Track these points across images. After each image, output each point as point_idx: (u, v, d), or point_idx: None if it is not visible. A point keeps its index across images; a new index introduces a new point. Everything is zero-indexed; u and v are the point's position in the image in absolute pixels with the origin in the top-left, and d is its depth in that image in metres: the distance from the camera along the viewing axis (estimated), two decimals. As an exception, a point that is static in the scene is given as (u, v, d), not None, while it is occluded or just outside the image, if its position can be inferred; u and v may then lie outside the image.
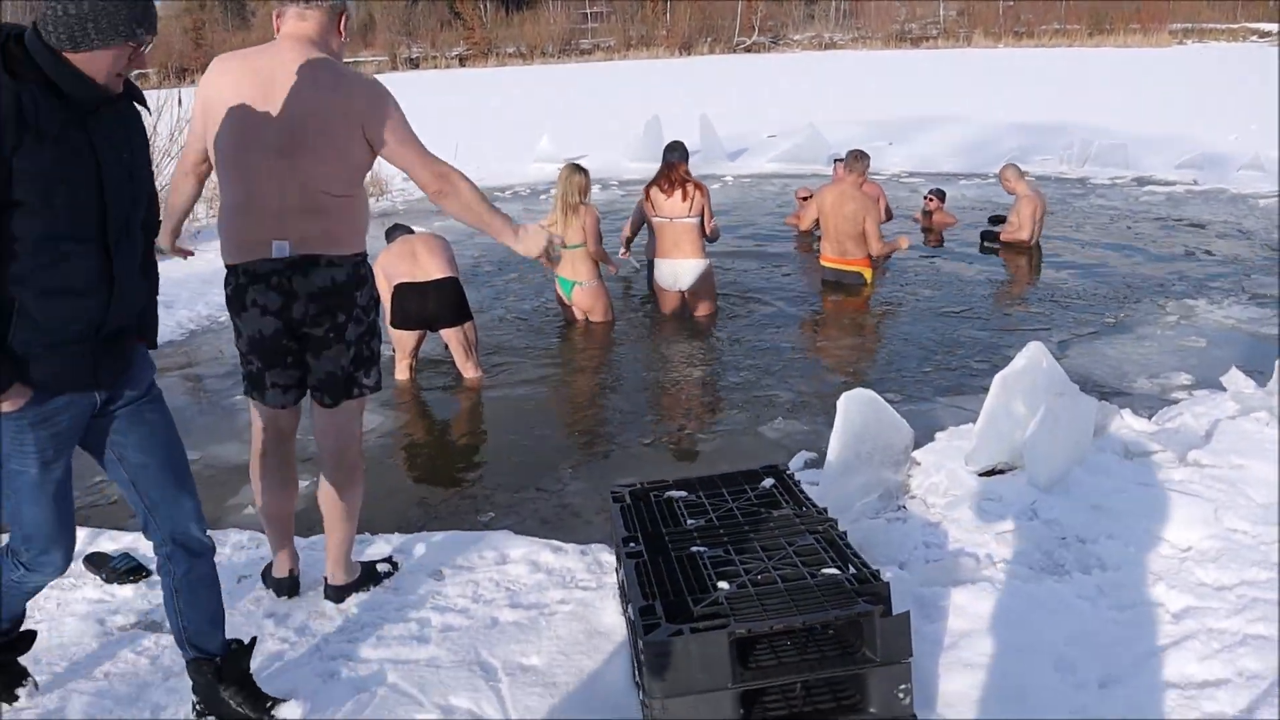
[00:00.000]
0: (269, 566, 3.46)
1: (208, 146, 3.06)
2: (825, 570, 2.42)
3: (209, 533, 2.75)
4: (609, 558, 3.46)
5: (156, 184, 2.83)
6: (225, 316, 5.21)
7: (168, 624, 3.23)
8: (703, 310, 6.99)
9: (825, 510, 2.84)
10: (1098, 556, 3.22)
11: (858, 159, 7.72)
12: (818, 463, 4.30)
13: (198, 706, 2.73)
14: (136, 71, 2.43)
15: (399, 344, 5.71)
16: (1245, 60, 32.48)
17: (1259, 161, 11.90)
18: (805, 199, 9.62)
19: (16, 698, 2.82)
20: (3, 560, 2.59)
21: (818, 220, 7.84)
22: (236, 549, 3.77)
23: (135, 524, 4.07)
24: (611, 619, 3.09)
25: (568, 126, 18.25)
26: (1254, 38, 46.08)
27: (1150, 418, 4.53)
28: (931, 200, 9.83)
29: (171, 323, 7.06)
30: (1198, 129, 15.29)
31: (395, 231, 5.93)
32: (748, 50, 57.65)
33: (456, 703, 2.74)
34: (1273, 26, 44.19)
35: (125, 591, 3.48)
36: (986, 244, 8.93)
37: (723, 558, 2.56)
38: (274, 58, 2.99)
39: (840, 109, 20.41)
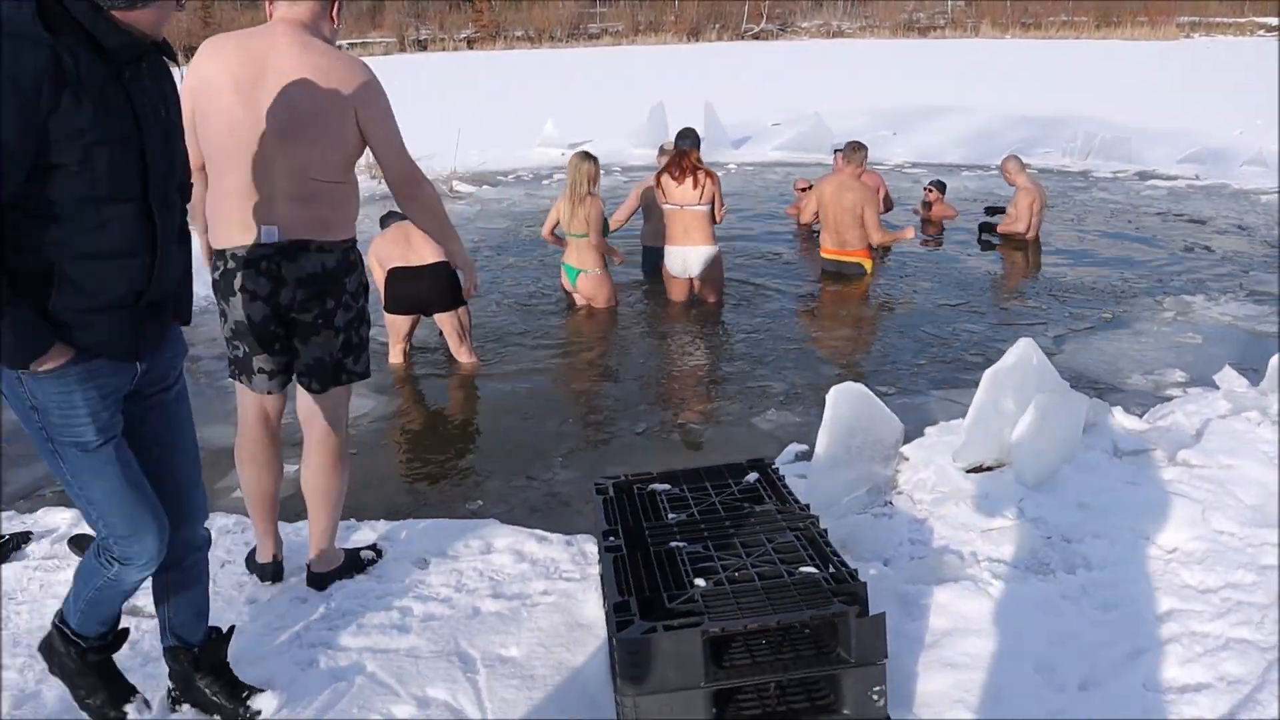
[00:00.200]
0: (253, 551, 3.43)
1: (195, 132, 3.01)
2: (803, 569, 2.38)
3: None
4: (594, 549, 3.42)
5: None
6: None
7: (149, 608, 3.22)
8: (710, 296, 6.96)
9: (808, 506, 2.79)
10: (1083, 556, 3.17)
11: (856, 149, 7.68)
12: (808, 455, 4.25)
13: (173, 693, 2.70)
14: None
15: (392, 328, 5.68)
16: (1251, 54, 32.23)
17: (1262, 157, 11.81)
18: (804, 190, 9.56)
19: (125, 715, 2.61)
20: (94, 560, 2.44)
21: (817, 213, 7.79)
22: (222, 532, 3.73)
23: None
24: (593, 612, 3.05)
25: (573, 111, 18.14)
26: (1261, 32, 45.74)
27: (1143, 415, 4.49)
28: (931, 191, 9.75)
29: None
30: (1202, 123, 15.18)
31: (390, 218, 5.90)
32: (756, 37, 57.32)
33: (433, 694, 2.70)
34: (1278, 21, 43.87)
35: (109, 574, 3.44)
36: (985, 236, 8.86)
37: (701, 553, 2.52)
38: (267, 40, 2.95)
39: (846, 98, 20.27)
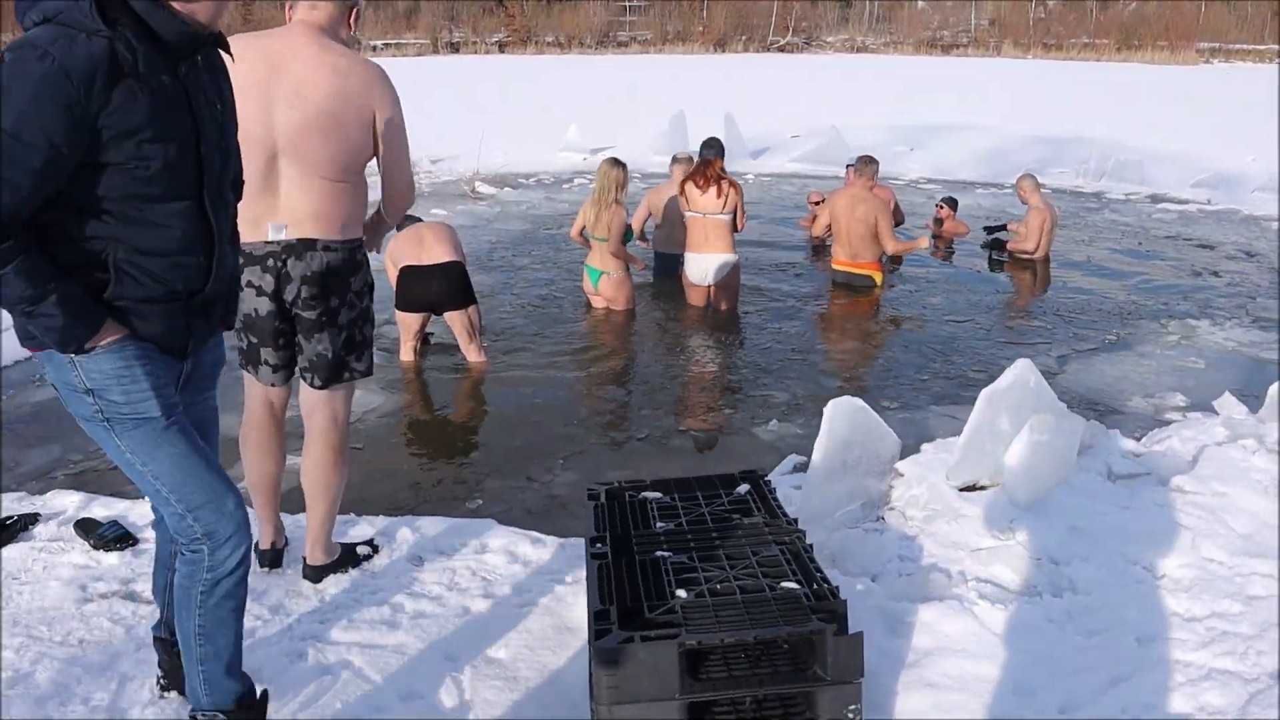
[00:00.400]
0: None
1: None
2: (785, 584, 2.34)
3: None
4: (586, 552, 3.40)
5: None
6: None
7: (146, 593, 3.21)
8: (725, 303, 6.94)
9: (796, 521, 2.75)
10: (1070, 579, 3.12)
11: (867, 163, 7.67)
12: (807, 466, 4.20)
13: (161, 680, 2.68)
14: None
15: (404, 326, 5.67)
16: (1269, 82, 31.93)
17: (1273, 184, 11.66)
18: (817, 203, 9.53)
19: None
20: (183, 566, 2.26)
21: (829, 226, 7.76)
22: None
23: (131, 491, 4.08)
24: (581, 616, 3.00)
25: (597, 117, 18.13)
26: (1279, 59, 45.31)
27: (1141, 438, 4.42)
28: (943, 208, 9.68)
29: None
30: (1216, 149, 15.03)
31: (405, 221, 5.89)
32: (781, 50, 57.24)
33: (417, 691, 2.68)
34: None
35: (110, 559, 3.44)
36: (994, 255, 8.79)
37: (686, 564, 2.49)
38: (284, 42, 2.95)
39: (865, 112, 20.19)
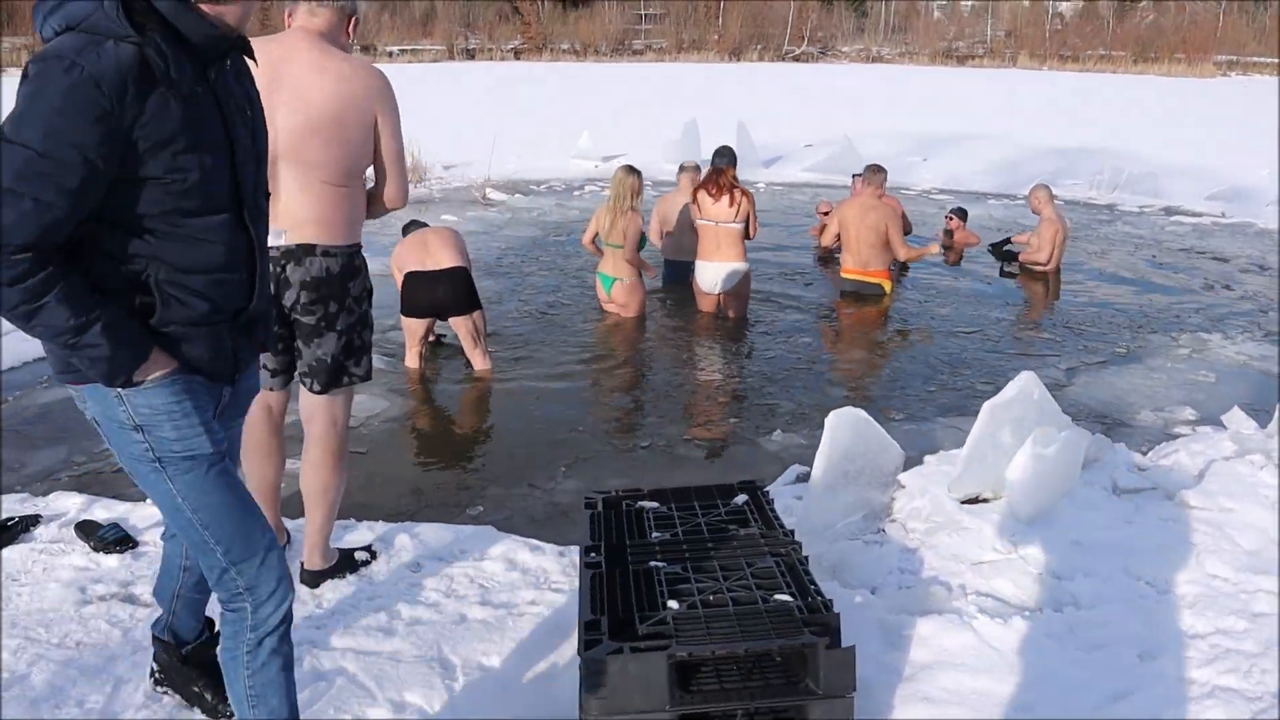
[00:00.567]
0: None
1: None
2: (778, 596, 2.32)
3: None
4: (584, 561, 3.38)
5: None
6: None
7: (145, 596, 3.21)
8: (734, 311, 6.95)
9: (792, 532, 2.73)
10: (1071, 594, 3.08)
11: (875, 172, 7.68)
12: (809, 477, 4.19)
13: (157, 675, 2.68)
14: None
15: (409, 331, 5.67)
16: (1287, 95, 31.74)
17: (1289, 197, 11.59)
18: (826, 213, 9.52)
19: None
20: (228, 629, 2.13)
21: (838, 236, 7.75)
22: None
23: (132, 494, 4.09)
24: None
25: (610, 124, 18.17)
26: (1298, 73, 45.04)
27: (1148, 452, 4.38)
28: (952, 219, 9.64)
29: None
30: (1231, 161, 14.92)
31: (411, 226, 5.93)
32: (796, 59, 57.25)
33: (410, 699, 2.67)
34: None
35: (110, 561, 3.44)
36: (1006, 268, 8.75)
37: (680, 575, 2.47)
38: (284, 47, 2.95)
39: (879, 122, 20.15)
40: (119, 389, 1.91)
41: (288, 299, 2.99)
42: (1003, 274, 8.64)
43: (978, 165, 14.85)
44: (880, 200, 7.58)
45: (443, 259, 5.40)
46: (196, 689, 2.61)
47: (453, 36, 57.05)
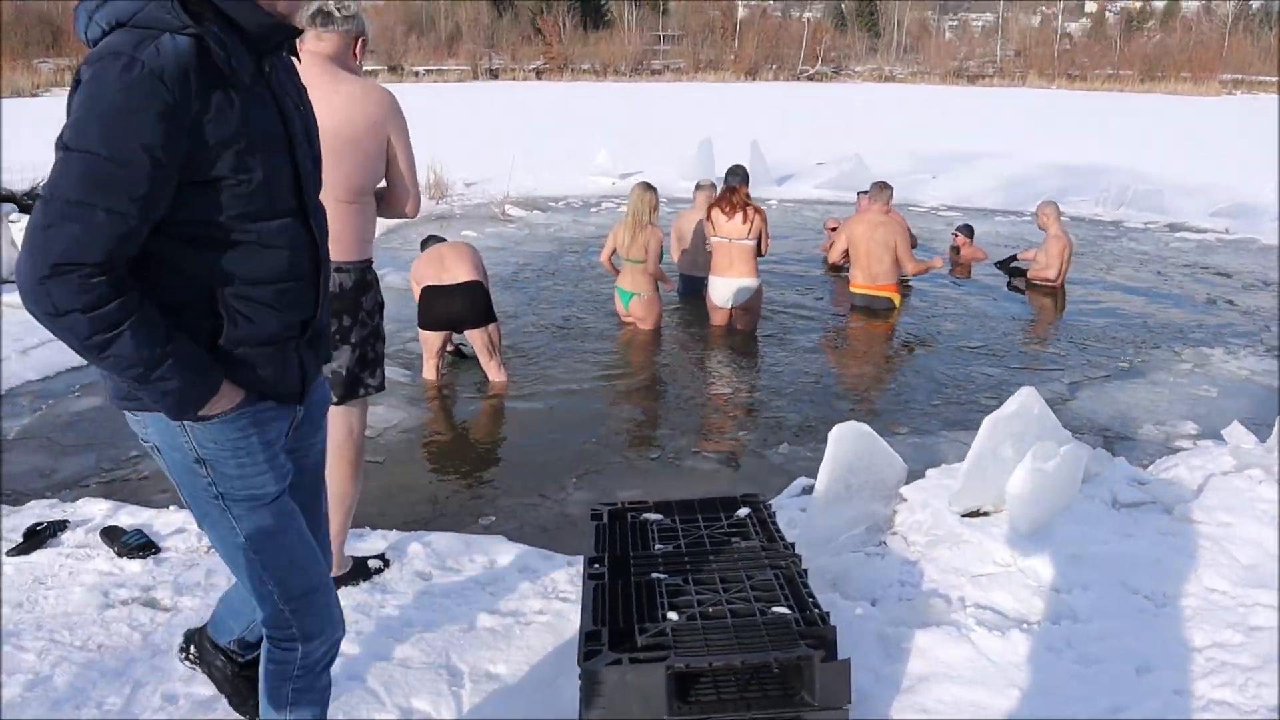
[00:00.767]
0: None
1: None
2: (776, 608, 2.30)
3: None
4: (592, 570, 3.36)
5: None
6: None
7: (165, 600, 3.22)
8: (746, 325, 6.97)
9: (792, 545, 2.71)
10: (1070, 607, 3.05)
11: (882, 188, 7.68)
12: (814, 489, 4.17)
13: (191, 650, 2.54)
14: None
15: (426, 344, 5.68)
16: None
17: (1293, 214, 11.47)
18: (834, 229, 9.51)
19: None
20: (271, 664, 2.04)
21: (846, 252, 7.74)
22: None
23: (156, 500, 4.11)
24: (583, 632, 2.99)
25: (628, 142, 18.20)
26: (1303, 92, 44.72)
27: (1149, 466, 4.33)
28: (958, 236, 9.60)
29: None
30: (1236, 178, 14.81)
31: (429, 241, 5.95)
32: (810, 79, 57.31)
33: (417, 705, 2.66)
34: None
35: (134, 566, 3.45)
36: (1013, 282, 8.70)
37: (680, 586, 2.45)
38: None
39: (890, 140, 20.12)
40: (183, 421, 1.79)
41: None
42: (1010, 288, 8.59)
43: (985, 182, 14.79)
44: (888, 216, 7.58)
45: (459, 273, 5.41)
46: (240, 700, 2.47)
47: (477, 57, 57.47)
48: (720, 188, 7.07)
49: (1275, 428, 4.21)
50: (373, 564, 3.38)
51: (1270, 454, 4.12)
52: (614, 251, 6.81)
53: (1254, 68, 50.41)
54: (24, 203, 9.91)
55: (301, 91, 1.96)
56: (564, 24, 62.26)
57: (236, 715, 2.51)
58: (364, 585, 3.30)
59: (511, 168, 13.32)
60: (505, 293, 7.79)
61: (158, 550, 3.55)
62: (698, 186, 7.95)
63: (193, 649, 2.55)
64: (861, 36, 71.76)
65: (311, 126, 1.95)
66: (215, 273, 1.74)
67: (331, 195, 2.93)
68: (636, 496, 3.88)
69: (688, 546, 2.72)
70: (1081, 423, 5.25)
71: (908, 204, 12.79)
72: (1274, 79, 46.95)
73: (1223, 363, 6.42)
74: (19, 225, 8.34)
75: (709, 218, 6.91)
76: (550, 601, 3.21)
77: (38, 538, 3.60)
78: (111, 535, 3.60)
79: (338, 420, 3.16)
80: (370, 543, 3.61)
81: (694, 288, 7.54)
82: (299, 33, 1.86)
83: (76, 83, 1.63)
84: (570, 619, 3.08)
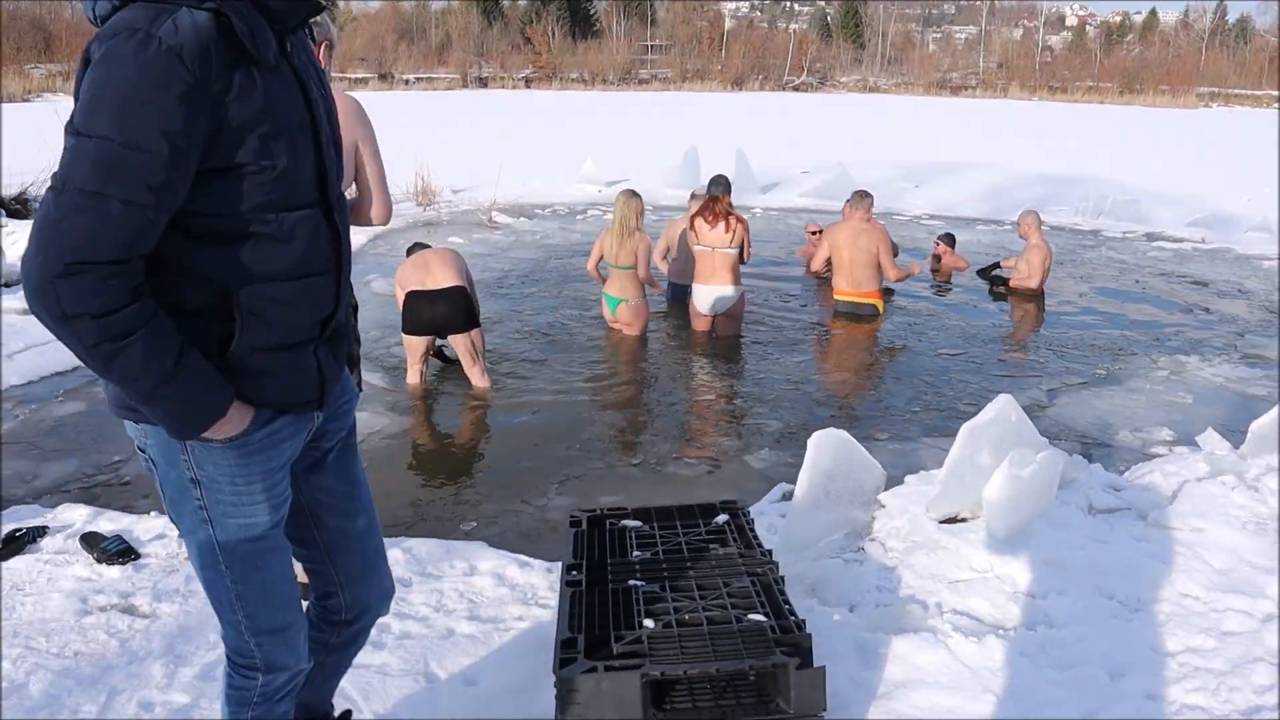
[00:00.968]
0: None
1: None
2: (752, 615, 2.28)
3: None
4: (572, 576, 3.34)
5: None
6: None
7: (144, 608, 3.18)
8: (729, 331, 6.99)
9: (770, 552, 2.69)
10: (1045, 613, 3.03)
11: (863, 197, 7.70)
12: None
13: None
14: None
15: (410, 349, 5.65)
16: (1265, 125, 31.74)
17: (1266, 224, 11.54)
18: (815, 233, 9.53)
19: None
20: (232, 690, 1.91)
21: (828, 260, 7.75)
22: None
23: (137, 506, 4.07)
24: (561, 639, 2.97)
25: (614, 151, 18.19)
26: (1277, 104, 45.12)
27: (1125, 472, 4.33)
28: (939, 245, 9.62)
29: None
30: (1212, 189, 14.91)
31: (415, 248, 5.91)
32: (796, 89, 57.49)
33: (394, 712, 2.62)
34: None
35: (112, 573, 3.41)
36: (995, 290, 8.72)
37: (657, 593, 2.42)
38: None
39: (874, 150, 20.18)
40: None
41: None
42: (991, 294, 8.62)
43: (967, 192, 14.85)
44: (870, 224, 7.59)
45: (442, 279, 5.38)
46: None
47: (467, 65, 57.43)
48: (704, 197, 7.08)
49: (1249, 434, 4.23)
50: (352, 570, 3.34)
51: (1243, 460, 4.14)
52: (600, 259, 6.79)
53: (1230, 81, 50.86)
54: (11, 207, 9.83)
55: (321, 73, 1.80)
56: (553, 33, 62.30)
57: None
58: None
59: (499, 175, 13.30)
60: (491, 299, 7.76)
61: (137, 556, 3.50)
62: (693, 196, 7.97)
63: None
64: (846, 48, 72.08)
65: (333, 111, 1.80)
66: (230, 271, 1.59)
67: None
68: (618, 502, 3.87)
69: (666, 553, 2.70)
70: (1059, 429, 5.26)
71: (891, 213, 12.82)
72: (1249, 92, 47.33)
73: (1198, 370, 6.44)
74: (8, 229, 8.26)
75: (692, 227, 6.92)
76: (530, 608, 3.18)
77: (17, 543, 3.55)
78: (91, 541, 3.56)
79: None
80: (351, 549, 3.57)
81: (683, 295, 7.54)
82: (323, 8, 1.72)
83: (85, 63, 1.49)
84: (549, 626, 3.04)
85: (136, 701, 2.67)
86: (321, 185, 1.69)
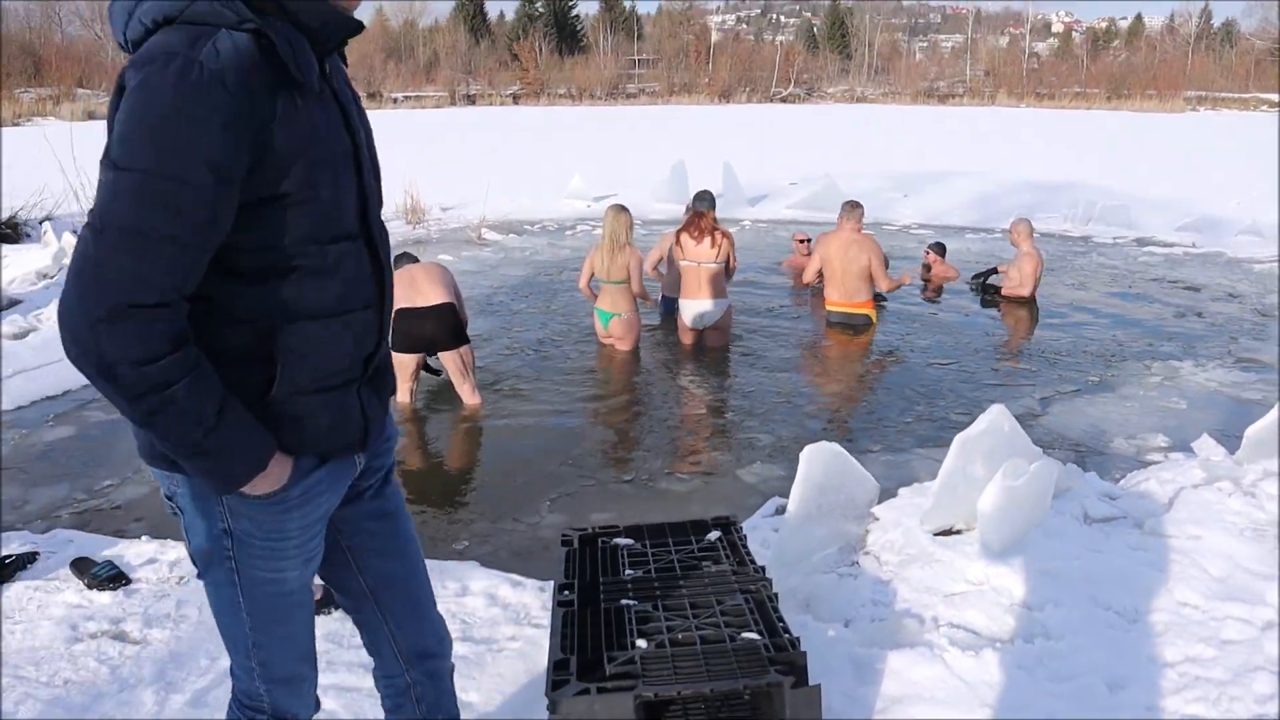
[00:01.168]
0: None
1: None
2: (746, 634, 2.26)
3: None
4: (565, 595, 3.32)
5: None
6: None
7: (135, 634, 3.15)
8: (717, 343, 7.03)
9: (763, 569, 2.67)
10: (1042, 624, 3.02)
11: (853, 208, 7.71)
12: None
13: None
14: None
15: (398, 368, 5.62)
16: (1252, 128, 31.94)
17: (1256, 227, 11.59)
18: (802, 241, 9.54)
19: None
20: (230, 717, 1.86)
21: (819, 273, 7.75)
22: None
23: (128, 531, 4.04)
24: (556, 659, 2.95)
25: (602, 166, 18.22)
26: (1264, 107, 45.44)
27: (1120, 480, 4.33)
28: (930, 254, 9.65)
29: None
30: (1201, 193, 14.98)
31: (401, 260, 5.88)
32: (783, 100, 57.69)
33: (387, 737, 2.60)
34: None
35: (103, 599, 3.39)
36: (987, 297, 8.75)
37: (650, 613, 2.41)
38: None
39: (862, 160, 20.24)
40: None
41: None
42: (983, 302, 8.65)
43: (957, 200, 14.89)
44: (860, 234, 7.60)
45: (431, 295, 5.37)
46: None
47: (454, 83, 57.55)
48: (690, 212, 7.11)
49: (1244, 439, 4.23)
50: (344, 593, 3.31)
51: (1239, 466, 4.14)
52: (592, 276, 6.79)
53: (1217, 85, 51.20)
54: (1, 232, 9.81)
55: (358, 98, 1.73)
56: (540, 49, 62.49)
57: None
58: (336, 613, 3.23)
59: (487, 192, 13.31)
60: (481, 316, 7.75)
61: (128, 581, 3.48)
62: (688, 210, 7.97)
63: None
64: (833, 58, 72.43)
65: (371, 137, 1.72)
66: (272, 308, 1.51)
67: None
68: (610, 520, 3.85)
69: (658, 571, 2.68)
70: (1053, 438, 5.25)
71: (880, 223, 12.86)
72: (1236, 96, 47.64)
73: (1192, 375, 6.45)
74: (6, 258, 8.27)
75: (678, 242, 6.96)
76: (522, 628, 3.16)
77: (7, 570, 3.53)
78: (81, 567, 3.54)
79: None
80: (342, 571, 3.55)
81: (675, 309, 7.54)
82: (363, 28, 1.64)
83: (119, 90, 1.41)
84: (542, 646, 3.02)
85: (129, 730, 2.65)
86: (363, 215, 1.62)
